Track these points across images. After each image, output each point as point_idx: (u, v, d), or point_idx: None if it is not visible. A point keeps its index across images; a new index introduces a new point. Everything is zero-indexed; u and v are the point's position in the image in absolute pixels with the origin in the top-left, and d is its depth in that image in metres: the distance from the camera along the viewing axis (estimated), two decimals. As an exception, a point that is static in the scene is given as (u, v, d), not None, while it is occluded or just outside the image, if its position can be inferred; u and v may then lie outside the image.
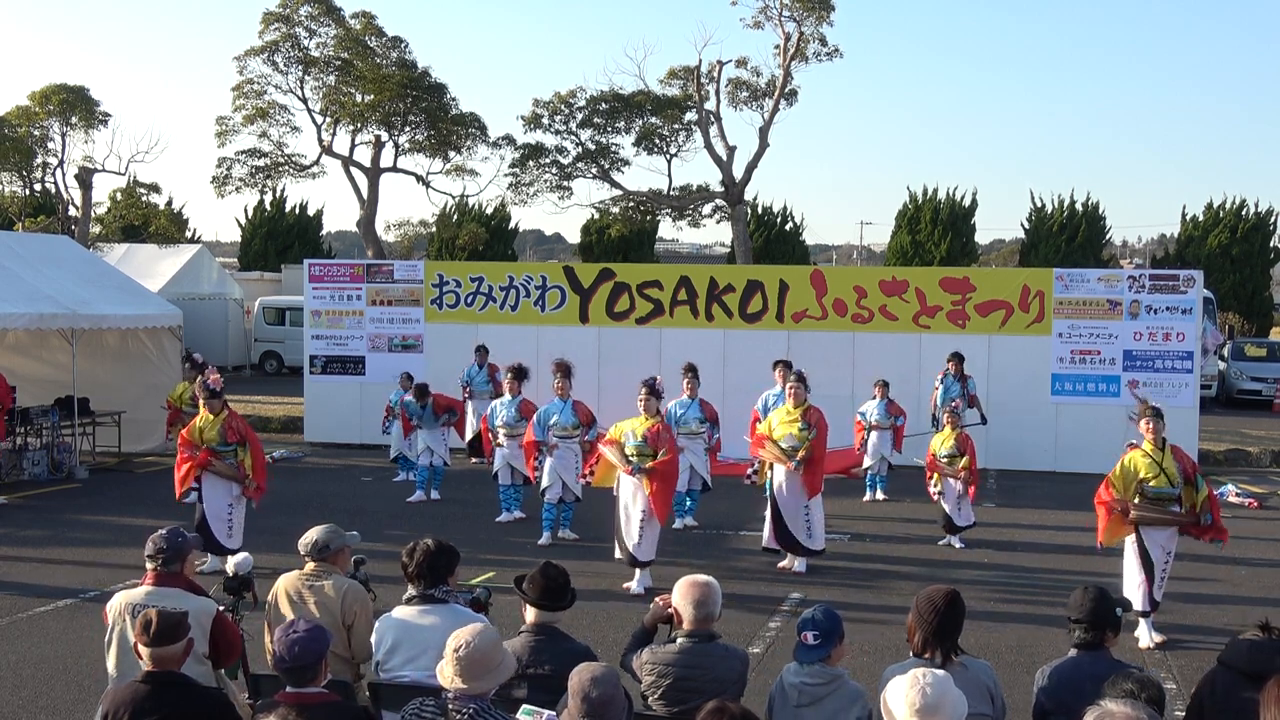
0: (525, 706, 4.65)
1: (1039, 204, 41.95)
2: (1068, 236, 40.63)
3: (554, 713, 4.47)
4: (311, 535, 6.51)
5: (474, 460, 17.86)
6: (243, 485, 11.70)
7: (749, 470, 12.61)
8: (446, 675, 4.50)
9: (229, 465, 11.73)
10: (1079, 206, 41.25)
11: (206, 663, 5.81)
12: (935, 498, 13.41)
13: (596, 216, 39.50)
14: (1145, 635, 9.61)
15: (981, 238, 49.67)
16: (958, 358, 16.64)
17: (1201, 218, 40.63)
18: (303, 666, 4.78)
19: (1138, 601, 9.53)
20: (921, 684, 4.11)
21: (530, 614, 5.69)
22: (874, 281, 19.14)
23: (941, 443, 13.32)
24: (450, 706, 4.46)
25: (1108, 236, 43.94)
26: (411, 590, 5.78)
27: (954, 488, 13.14)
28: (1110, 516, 9.65)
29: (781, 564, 12.01)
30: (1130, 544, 9.75)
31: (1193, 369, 18.19)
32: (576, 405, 13.54)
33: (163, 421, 18.48)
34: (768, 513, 12.05)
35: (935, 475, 13.25)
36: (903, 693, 4.13)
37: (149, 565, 6.01)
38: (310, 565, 6.44)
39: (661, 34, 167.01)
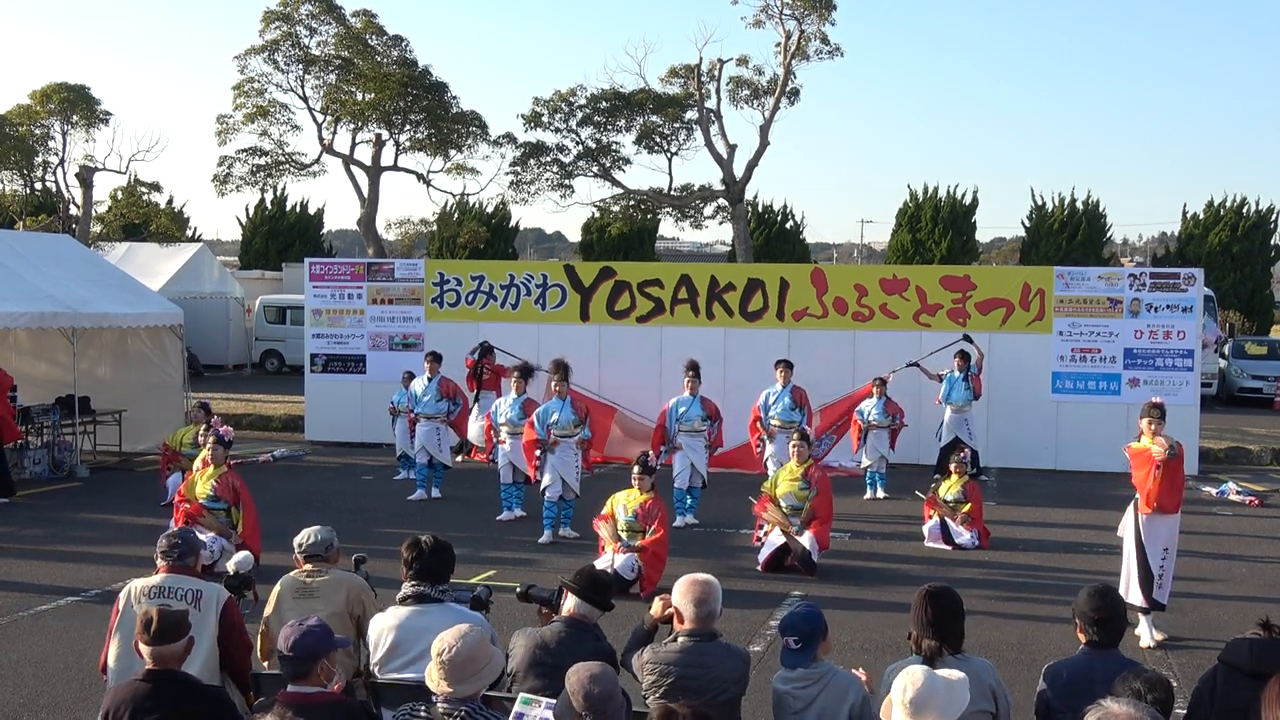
0: (523, 695, 4.65)
1: (1039, 202, 41.94)
2: (1068, 234, 40.61)
3: (555, 701, 4.47)
4: (310, 536, 6.50)
5: (459, 459, 17.77)
6: (228, 539, 11.34)
7: (759, 531, 12.55)
8: (434, 679, 4.50)
9: (218, 521, 11.53)
10: (1079, 204, 41.23)
11: (216, 652, 5.87)
12: (926, 533, 13.37)
13: (597, 215, 39.44)
14: (1146, 634, 9.60)
15: (982, 236, 49.77)
16: (962, 355, 16.78)
17: (1202, 215, 40.62)
18: (300, 659, 4.78)
19: (1135, 599, 9.53)
20: (908, 681, 4.19)
21: (569, 604, 5.72)
22: (874, 280, 19.13)
23: (948, 489, 13.36)
24: (441, 710, 4.45)
25: (1108, 234, 43.93)
26: (407, 589, 5.76)
27: (937, 529, 13.16)
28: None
29: (786, 561, 11.98)
30: (1130, 541, 9.75)
31: (1193, 367, 18.18)
32: (575, 403, 13.56)
33: (162, 420, 18.51)
34: (768, 541, 12.02)
35: (933, 513, 13.26)
36: (896, 689, 4.21)
37: (162, 561, 6.08)
38: (307, 565, 6.44)
39: (662, 32, 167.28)
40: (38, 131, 30.88)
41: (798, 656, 5.24)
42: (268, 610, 6.37)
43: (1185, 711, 5.15)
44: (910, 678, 4.19)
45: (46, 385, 18.44)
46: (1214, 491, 16.55)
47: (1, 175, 32.28)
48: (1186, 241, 40.71)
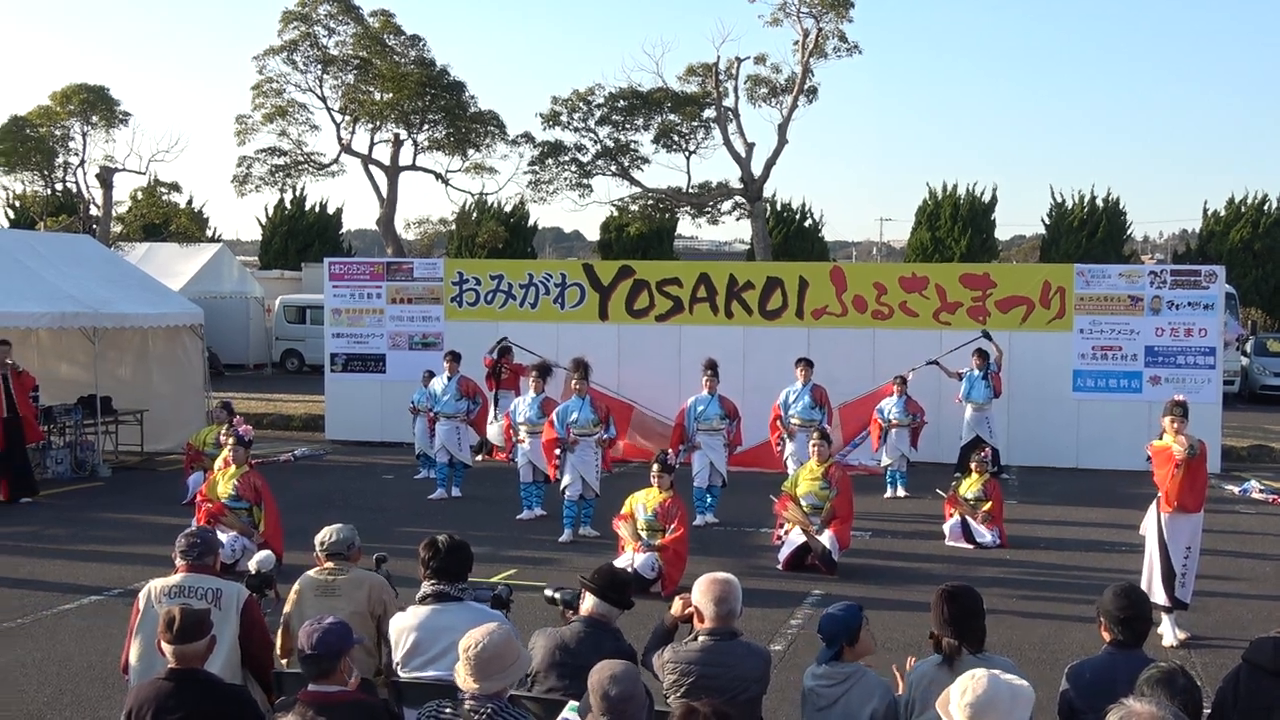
0: (572, 703, 4.64)
1: (1059, 200, 41.80)
2: (1088, 232, 40.46)
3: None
4: (331, 534, 6.51)
5: (478, 459, 17.72)
6: (251, 538, 11.34)
7: (779, 530, 12.50)
8: (460, 675, 4.50)
9: (240, 521, 11.57)
10: (1099, 202, 41.07)
11: (238, 650, 5.89)
12: (947, 531, 13.30)
13: (615, 214, 39.42)
14: (1169, 633, 9.55)
15: (1001, 234, 49.59)
16: (980, 354, 16.72)
17: (1223, 212, 40.45)
18: (323, 656, 4.79)
19: (1157, 598, 9.48)
20: (970, 683, 4.02)
21: (588, 604, 5.71)
22: (894, 278, 19.09)
23: (968, 487, 13.31)
24: (468, 707, 4.45)
25: (1129, 232, 43.76)
26: (426, 588, 5.77)
27: (959, 527, 13.08)
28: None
29: (806, 560, 11.95)
30: (1152, 540, 9.70)
31: (1215, 364, 18.09)
32: (595, 402, 13.57)
33: (183, 420, 18.59)
34: (789, 540, 11.99)
35: (954, 511, 13.20)
36: (956, 690, 4.04)
37: (180, 560, 6.10)
38: (329, 563, 6.46)
39: (679, 31, 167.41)
40: (58, 132, 31.03)
41: (824, 654, 5.28)
42: (288, 608, 6.37)
43: (1209, 711, 5.11)
44: (973, 680, 4.01)
45: (68, 385, 18.53)
46: (1237, 490, 16.46)
47: (22, 176, 32.47)
48: (1207, 238, 40.52)
